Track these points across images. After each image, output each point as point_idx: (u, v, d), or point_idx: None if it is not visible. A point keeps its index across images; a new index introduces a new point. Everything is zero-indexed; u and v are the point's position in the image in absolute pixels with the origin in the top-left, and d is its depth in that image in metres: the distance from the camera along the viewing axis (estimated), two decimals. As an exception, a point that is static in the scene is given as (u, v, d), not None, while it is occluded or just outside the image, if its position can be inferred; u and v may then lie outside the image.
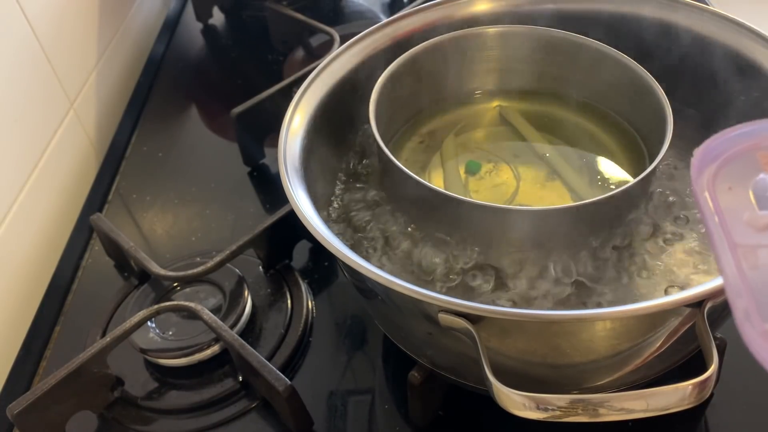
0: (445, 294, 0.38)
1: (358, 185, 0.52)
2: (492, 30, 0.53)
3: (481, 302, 0.41)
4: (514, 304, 0.42)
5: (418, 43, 0.53)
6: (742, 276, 0.22)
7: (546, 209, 0.40)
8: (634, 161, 0.49)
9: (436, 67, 0.53)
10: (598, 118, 0.53)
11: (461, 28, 0.54)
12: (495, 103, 0.56)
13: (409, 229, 0.47)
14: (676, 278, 0.42)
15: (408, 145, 0.53)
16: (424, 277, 0.44)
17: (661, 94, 0.46)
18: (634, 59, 0.48)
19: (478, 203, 0.41)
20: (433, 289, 0.42)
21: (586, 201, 0.40)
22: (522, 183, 0.49)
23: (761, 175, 0.25)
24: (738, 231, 0.23)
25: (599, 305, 0.41)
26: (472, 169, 0.50)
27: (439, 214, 0.44)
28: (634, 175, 0.45)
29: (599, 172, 0.49)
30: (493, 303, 0.42)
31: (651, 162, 0.42)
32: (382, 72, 0.50)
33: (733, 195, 0.24)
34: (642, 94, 0.48)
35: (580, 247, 0.43)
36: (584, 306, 0.41)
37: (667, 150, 0.42)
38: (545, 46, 0.52)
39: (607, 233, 0.43)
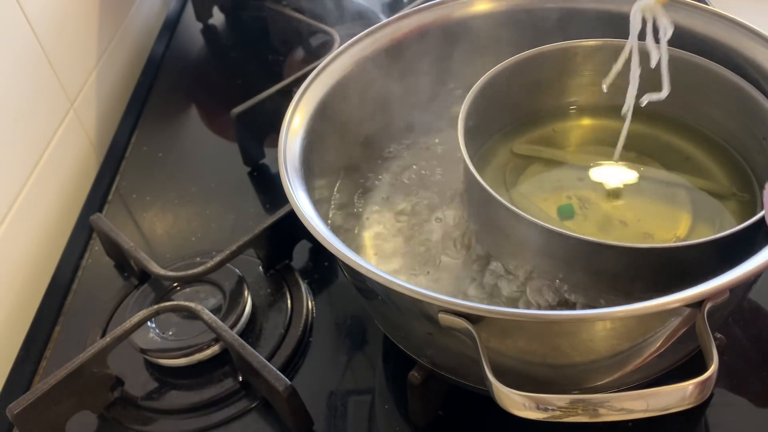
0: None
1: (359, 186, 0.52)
2: (590, 43, 0.51)
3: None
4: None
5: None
6: None
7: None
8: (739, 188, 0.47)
9: (527, 80, 0.51)
10: (700, 141, 0.50)
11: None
12: (588, 120, 0.53)
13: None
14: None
15: (494, 162, 0.51)
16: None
17: None
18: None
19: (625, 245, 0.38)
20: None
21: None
22: (628, 212, 0.46)
23: None
24: None
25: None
26: (566, 215, 0.47)
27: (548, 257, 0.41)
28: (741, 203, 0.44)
29: (700, 201, 0.47)
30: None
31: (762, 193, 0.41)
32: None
33: None
34: (754, 117, 0.45)
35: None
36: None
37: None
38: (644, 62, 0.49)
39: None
